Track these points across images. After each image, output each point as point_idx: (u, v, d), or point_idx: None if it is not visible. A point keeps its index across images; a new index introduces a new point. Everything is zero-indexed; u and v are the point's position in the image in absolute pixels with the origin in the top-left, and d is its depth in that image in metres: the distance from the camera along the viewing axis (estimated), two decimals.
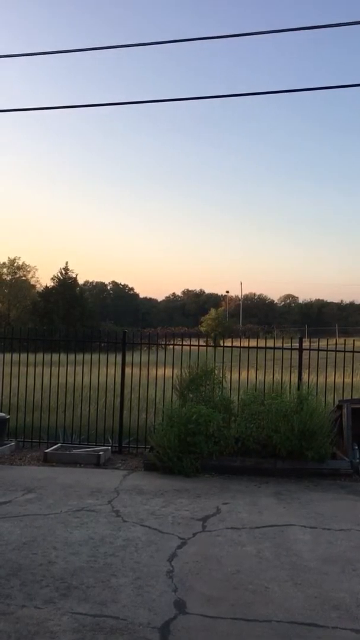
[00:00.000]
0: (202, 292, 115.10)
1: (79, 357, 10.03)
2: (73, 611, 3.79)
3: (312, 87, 11.58)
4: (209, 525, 5.60)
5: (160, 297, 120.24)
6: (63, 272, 56.94)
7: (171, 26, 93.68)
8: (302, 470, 7.60)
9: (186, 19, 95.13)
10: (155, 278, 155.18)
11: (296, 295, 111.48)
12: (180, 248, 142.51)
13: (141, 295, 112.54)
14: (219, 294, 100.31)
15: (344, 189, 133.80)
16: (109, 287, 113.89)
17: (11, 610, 3.79)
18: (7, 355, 9.82)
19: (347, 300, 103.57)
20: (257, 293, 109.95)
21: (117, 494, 6.59)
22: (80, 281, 67.05)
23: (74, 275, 57.42)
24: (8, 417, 9.08)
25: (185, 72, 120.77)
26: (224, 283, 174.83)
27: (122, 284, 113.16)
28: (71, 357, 10.15)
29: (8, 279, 66.21)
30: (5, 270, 66.63)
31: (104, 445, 8.93)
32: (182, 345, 9.84)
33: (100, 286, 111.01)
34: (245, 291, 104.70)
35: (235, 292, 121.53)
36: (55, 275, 57.32)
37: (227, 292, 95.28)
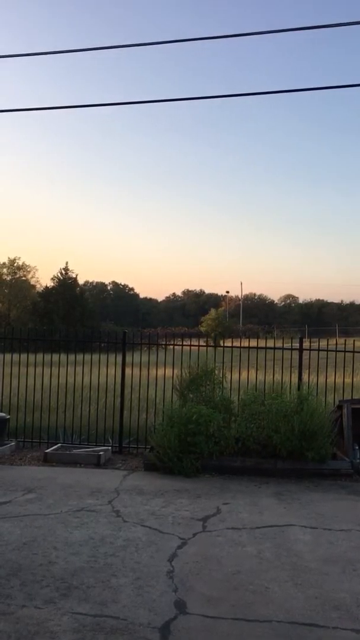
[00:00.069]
0: (202, 292, 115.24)
1: (79, 357, 10.03)
2: (73, 611, 3.79)
3: (310, 87, 11.62)
4: (209, 526, 5.60)
5: (160, 297, 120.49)
6: (63, 272, 56.98)
7: (171, 26, 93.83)
8: (302, 470, 7.60)
9: (186, 19, 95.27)
10: (155, 278, 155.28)
11: (296, 296, 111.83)
12: (178, 248, 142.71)
13: (141, 296, 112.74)
14: (219, 294, 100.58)
15: (342, 189, 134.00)
16: (109, 287, 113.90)
17: (11, 610, 3.79)
18: (8, 356, 9.82)
19: (347, 300, 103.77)
20: (257, 293, 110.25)
21: (117, 494, 6.59)
22: (80, 281, 67.15)
23: (74, 276, 57.50)
24: (8, 417, 9.08)
25: (184, 72, 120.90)
26: (223, 283, 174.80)
27: (122, 284, 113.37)
28: (71, 357, 10.15)
29: (8, 279, 66.26)
30: (5, 270, 66.77)
31: (104, 446, 8.93)
32: (182, 345, 9.83)
33: (100, 286, 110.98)
34: (245, 291, 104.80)
35: (235, 292, 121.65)
36: (55, 275, 57.41)
37: (227, 292, 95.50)
